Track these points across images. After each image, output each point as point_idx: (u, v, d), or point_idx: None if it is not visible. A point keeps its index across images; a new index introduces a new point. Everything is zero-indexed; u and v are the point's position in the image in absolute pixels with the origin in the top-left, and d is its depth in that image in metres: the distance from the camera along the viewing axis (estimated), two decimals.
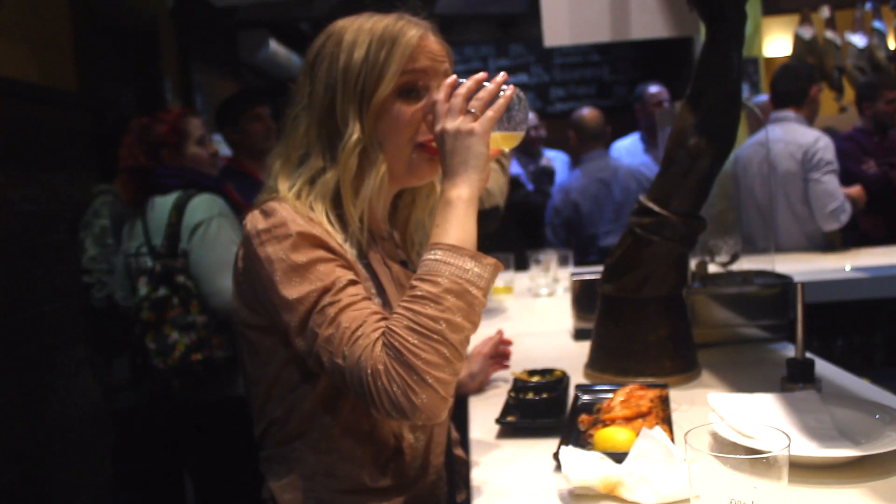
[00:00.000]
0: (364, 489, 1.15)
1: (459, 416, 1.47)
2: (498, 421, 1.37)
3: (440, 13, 4.92)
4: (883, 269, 2.85)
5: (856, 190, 3.51)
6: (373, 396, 0.96)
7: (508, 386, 1.51)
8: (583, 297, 2.02)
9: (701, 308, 1.82)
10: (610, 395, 1.36)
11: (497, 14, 6.42)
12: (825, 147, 3.26)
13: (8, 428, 2.36)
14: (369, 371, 0.96)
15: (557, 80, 7.18)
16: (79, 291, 2.68)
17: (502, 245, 2.79)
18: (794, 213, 3.34)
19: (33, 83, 2.71)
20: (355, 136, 1.10)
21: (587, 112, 3.88)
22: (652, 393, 1.34)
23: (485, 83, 1.08)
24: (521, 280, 2.84)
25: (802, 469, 1.05)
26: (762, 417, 1.20)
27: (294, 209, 1.07)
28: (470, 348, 1.63)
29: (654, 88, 4.38)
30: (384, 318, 1.01)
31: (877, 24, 3.94)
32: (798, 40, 4.04)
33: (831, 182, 3.26)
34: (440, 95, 1.08)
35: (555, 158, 4.72)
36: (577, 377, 1.61)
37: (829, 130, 4.40)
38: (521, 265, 2.93)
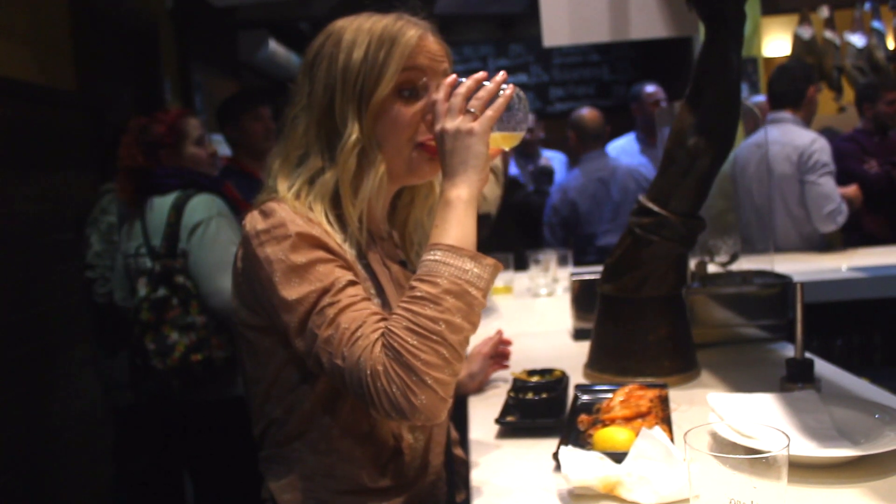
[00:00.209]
0: (363, 489, 1.15)
1: (459, 416, 1.47)
2: (497, 421, 1.37)
3: (440, 13, 4.93)
4: (882, 268, 2.85)
5: (852, 190, 3.51)
6: (372, 397, 0.96)
7: (508, 386, 1.51)
8: (582, 297, 2.02)
9: (700, 308, 1.82)
10: (609, 395, 1.36)
11: (496, 14, 6.42)
12: (821, 149, 3.26)
13: (8, 427, 2.36)
14: (369, 372, 0.96)
15: (557, 80, 7.18)
16: (78, 291, 2.68)
17: (502, 245, 2.80)
18: (791, 214, 3.34)
19: (33, 83, 2.71)
20: (354, 136, 1.10)
21: (587, 112, 3.88)
22: (651, 393, 1.34)
23: (484, 83, 1.08)
24: (521, 280, 2.84)
25: (802, 469, 1.05)
26: (761, 417, 1.20)
27: (293, 209, 1.07)
28: (469, 348, 1.63)
29: (650, 88, 4.38)
30: (383, 319, 1.01)
31: (876, 24, 3.94)
32: (797, 40, 4.05)
33: (827, 184, 3.26)
34: (440, 95, 1.08)
35: (552, 159, 4.72)
36: (576, 377, 1.61)
37: (828, 130, 4.40)
38: (521, 265, 2.93)
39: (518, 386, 1.47)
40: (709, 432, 0.94)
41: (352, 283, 1.04)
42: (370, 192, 1.12)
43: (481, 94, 1.06)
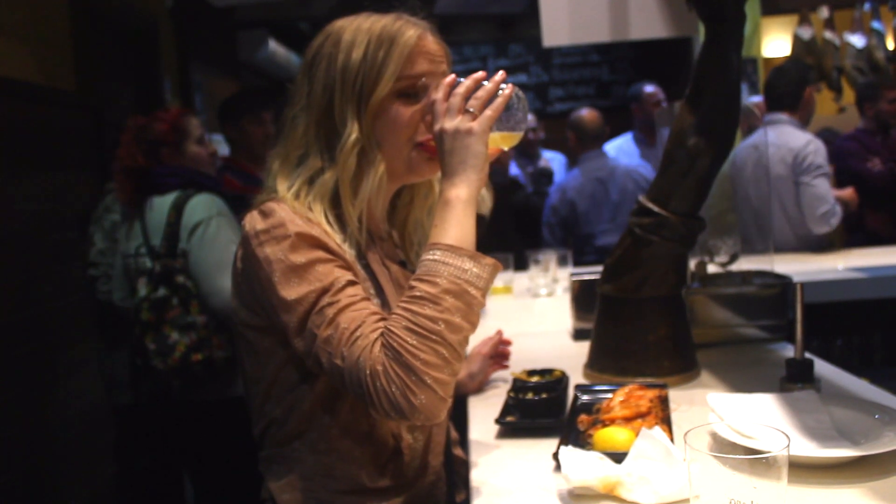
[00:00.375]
0: (363, 489, 1.15)
1: (459, 417, 1.47)
2: (497, 421, 1.37)
3: (439, 13, 4.92)
4: (882, 269, 2.85)
5: (848, 192, 3.51)
6: (372, 397, 0.96)
7: (508, 386, 1.51)
8: (582, 297, 2.02)
9: (700, 308, 1.82)
10: (609, 396, 1.36)
11: (496, 14, 6.42)
12: (815, 151, 3.27)
13: (9, 427, 2.36)
14: (368, 371, 0.96)
15: (556, 81, 7.18)
16: (79, 290, 2.67)
17: (502, 245, 2.80)
18: (787, 215, 3.35)
19: (32, 83, 2.71)
20: (353, 136, 1.10)
21: (586, 113, 3.88)
22: (651, 393, 1.34)
23: (483, 82, 1.08)
24: (521, 280, 2.84)
25: (802, 469, 1.05)
26: (761, 417, 1.20)
27: (293, 209, 1.07)
28: (469, 348, 1.63)
29: (650, 88, 4.38)
30: (383, 319, 1.01)
31: (875, 25, 3.93)
32: (797, 40, 4.04)
33: (821, 185, 3.26)
34: (438, 95, 1.08)
35: (552, 159, 4.72)
36: (576, 377, 1.61)
37: (828, 131, 4.41)
38: (521, 265, 2.93)
39: (518, 386, 1.47)
40: (709, 432, 0.94)
41: (351, 283, 1.04)
42: (370, 191, 1.12)
43: (480, 93, 1.06)
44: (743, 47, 1.55)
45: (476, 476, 1.20)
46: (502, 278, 2.77)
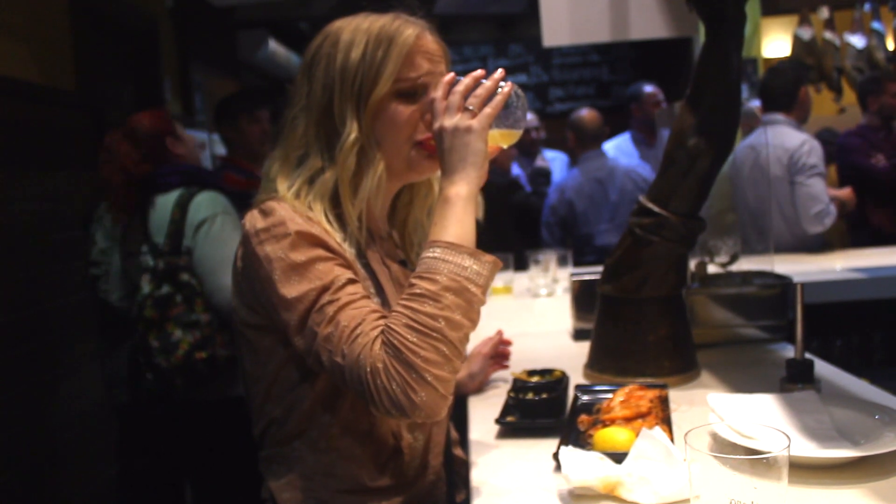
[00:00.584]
0: (363, 489, 1.15)
1: (459, 417, 1.47)
2: (497, 421, 1.37)
3: (439, 13, 4.93)
4: (882, 269, 2.85)
5: (846, 192, 3.51)
6: (372, 394, 0.96)
7: (508, 386, 1.51)
8: (582, 297, 2.02)
9: (700, 308, 1.82)
10: (609, 396, 1.36)
11: (496, 14, 6.42)
12: (810, 151, 3.27)
13: (9, 426, 2.36)
14: (368, 369, 0.96)
15: (556, 81, 7.18)
16: (80, 290, 2.67)
17: (501, 246, 2.80)
18: (784, 215, 3.35)
19: (32, 82, 2.71)
20: (353, 135, 1.11)
21: (586, 113, 3.88)
22: (651, 393, 1.34)
23: (482, 80, 1.08)
24: (521, 280, 2.84)
25: (802, 469, 1.05)
26: (762, 418, 1.20)
27: (293, 208, 1.07)
28: (469, 348, 1.63)
29: (649, 88, 4.38)
30: (383, 317, 1.01)
31: (876, 25, 3.94)
32: (797, 41, 4.04)
33: (816, 185, 3.27)
34: (438, 93, 1.08)
35: (555, 159, 4.72)
36: (576, 377, 1.61)
37: (827, 131, 4.41)
38: (521, 265, 2.93)
39: (518, 386, 1.47)
40: (709, 433, 0.94)
41: (351, 282, 1.04)
42: (369, 190, 1.12)
43: (479, 91, 1.06)
44: (743, 48, 1.55)
45: (476, 476, 1.20)
46: (502, 278, 2.77)
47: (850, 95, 4.03)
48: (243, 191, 2.34)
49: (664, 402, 1.33)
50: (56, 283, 2.68)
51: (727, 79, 1.49)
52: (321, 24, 1.19)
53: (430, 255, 1.01)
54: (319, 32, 1.17)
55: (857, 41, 3.94)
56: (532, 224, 4.01)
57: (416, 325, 0.96)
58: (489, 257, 1.02)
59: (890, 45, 3.93)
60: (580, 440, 1.23)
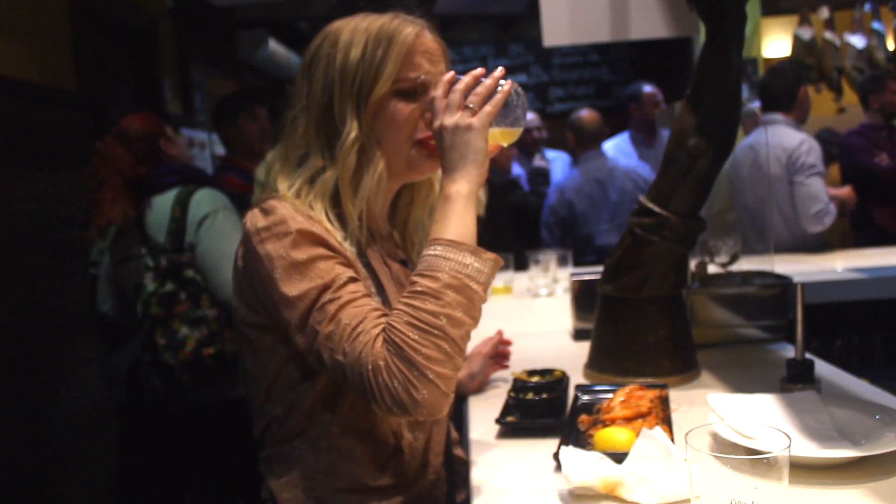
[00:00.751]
0: (363, 488, 1.15)
1: (459, 416, 1.47)
2: (498, 421, 1.37)
3: (439, 13, 4.93)
4: (882, 269, 2.85)
5: (846, 191, 3.51)
6: (374, 392, 0.96)
7: (508, 386, 1.51)
8: (582, 297, 2.02)
9: (700, 308, 1.82)
10: (610, 396, 1.36)
11: (496, 14, 6.42)
12: (809, 150, 3.27)
13: (10, 425, 2.36)
14: (370, 367, 0.96)
15: (556, 81, 7.18)
16: (79, 290, 2.67)
17: (501, 245, 2.79)
18: (783, 215, 3.35)
19: (32, 82, 2.71)
20: (353, 135, 1.11)
21: (585, 113, 3.88)
22: (652, 393, 1.33)
23: (482, 78, 1.08)
24: (521, 280, 2.83)
25: (802, 470, 1.05)
26: (762, 418, 1.20)
27: (293, 207, 1.07)
28: (469, 348, 1.63)
29: (649, 88, 4.38)
30: (384, 315, 1.01)
31: (876, 25, 3.94)
32: (797, 41, 4.05)
33: (815, 185, 3.26)
34: (438, 91, 1.08)
35: (556, 159, 4.72)
36: (576, 377, 1.61)
37: (827, 131, 4.41)
38: (521, 265, 2.93)
39: (518, 386, 1.47)
40: (709, 433, 0.94)
41: (352, 280, 1.04)
42: (370, 189, 1.12)
43: (479, 89, 1.06)
44: (743, 48, 1.55)
45: (476, 476, 1.20)
46: (502, 278, 2.77)
47: (850, 95, 4.03)
48: (242, 193, 2.34)
49: (664, 402, 1.33)
50: (56, 283, 2.68)
51: (727, 79, 1.49)
52: (321, 24, 1.19)
53: (431, 252, 1.01)
54: (319, 32, 1.17)
55: (857, 41, 3.94)
56: (530, 224, 4.01)
57: (417, 322, 0.96)
58: (490, 255, 1.03)
59: (890, 45, 3.93)
60: (580, 440, 1.23)
